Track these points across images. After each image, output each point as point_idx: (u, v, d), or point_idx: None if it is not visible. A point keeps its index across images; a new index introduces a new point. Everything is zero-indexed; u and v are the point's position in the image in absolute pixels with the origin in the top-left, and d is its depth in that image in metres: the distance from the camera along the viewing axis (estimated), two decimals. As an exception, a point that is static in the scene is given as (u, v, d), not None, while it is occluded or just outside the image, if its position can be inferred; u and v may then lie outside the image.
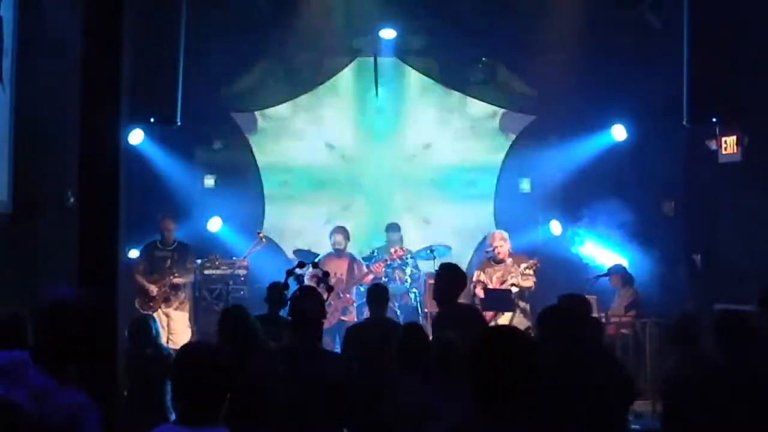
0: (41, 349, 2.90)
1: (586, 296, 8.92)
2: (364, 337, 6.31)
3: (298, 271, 5.56)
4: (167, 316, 9.08)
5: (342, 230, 9.85)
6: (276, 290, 6.49)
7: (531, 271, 8.67)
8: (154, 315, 8.84)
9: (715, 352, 4.70)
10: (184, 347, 3.01)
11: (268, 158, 11.50)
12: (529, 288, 8.66)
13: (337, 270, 9.51)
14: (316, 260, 9.66)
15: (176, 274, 9.13)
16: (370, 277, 9.44)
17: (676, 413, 4.77)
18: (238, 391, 3.01)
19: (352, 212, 11.44)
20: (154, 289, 9.08)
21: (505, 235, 9.06)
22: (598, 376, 4.44)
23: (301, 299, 4.61)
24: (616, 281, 9.10)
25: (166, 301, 9.15)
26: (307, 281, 5.98)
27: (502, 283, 8.66)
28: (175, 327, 9.05)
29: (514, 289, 8.60)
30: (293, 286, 5.28)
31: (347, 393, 4.37)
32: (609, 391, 4.46)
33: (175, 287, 9.16)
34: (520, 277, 8.61)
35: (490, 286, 8.68)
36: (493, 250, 9.07)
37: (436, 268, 9.98)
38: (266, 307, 6.68)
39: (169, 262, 9.22)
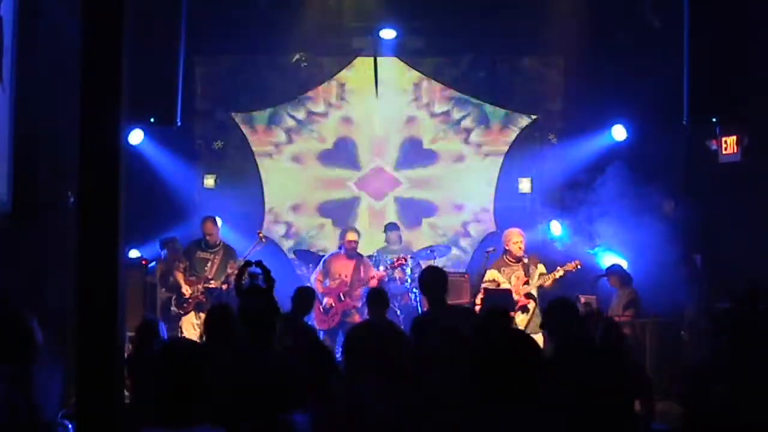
0: None
1: (584, 297, 9.13)
2: (359, 339, 6.29)
3: (248, 270, 5.49)
4: (199, 320, 8.79)
5: (353, 231, 9.75)
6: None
7: (562, 273, 8.47)
8: (181, 321, 8.84)
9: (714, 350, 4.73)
10: (164, 345, 3.02)
11: (267, 158, 11.51)
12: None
13: (343, 271, 9.46)
14: (325, 259, 9.64)
15: (212, 282, 8.90)
16: (375, 280, 9.36)
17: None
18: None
19: (353, 212, 11.44)
20: (187, 290, 8.91)
21: (523, 233, 8.89)
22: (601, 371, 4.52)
23: (246, 299, 4.55)
24: (614, 281, 9.11)
25: (199, 306, 8.88)
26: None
27: (526, 282, 8.51)
28: None
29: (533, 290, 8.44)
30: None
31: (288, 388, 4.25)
32: (613, 386, 4.53)
33: (209, 292, 8.90)
34: (549, 280, 8.41)
35: (506, 287, 8.53)
36: (493, 250, 9.03)
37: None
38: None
39: (209, 264, 9.01)
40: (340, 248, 9.75)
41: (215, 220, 9.35)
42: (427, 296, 5.83)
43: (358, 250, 9.73)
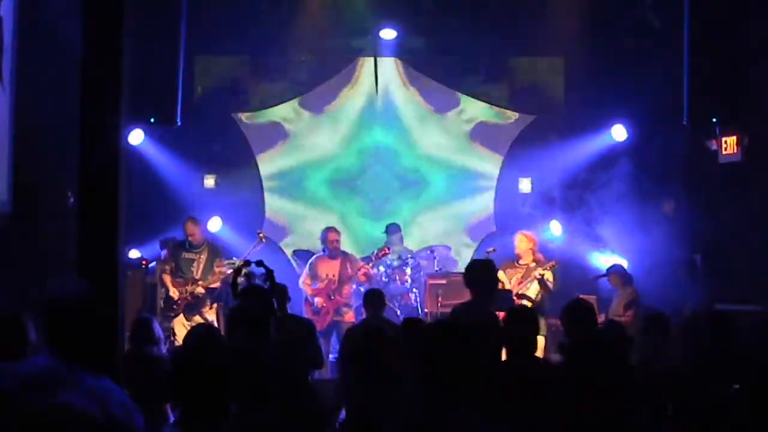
0: (67, 345, 2.81)
1: (584, 296, 9.13)
2: (356, 338, 6.34)
3: (245, 270, 5.49)
4: (190, 321, 8.71)
5: (334, 230, 9.66)
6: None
7: (549, 273, 8.46)
8: (173, 323, 8.75)
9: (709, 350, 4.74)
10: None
11: (268, 158, 11.51)
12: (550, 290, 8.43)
13: (329, 272, 9.40)
14: (310, 262, 9.59)
15: (200, 283, 8.84)
16: (362, 275, 9.35)
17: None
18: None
19: (353, 213, 11.44)
20: (174, 293, 8.84)
21: (531, 235, 8.88)
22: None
23: (243, 298, 4.55)
24: (615, 281, 9.11)
25: (188, 308, 8.81)
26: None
27: (520, 283, 8.52)
28: None
29: (533, 292, 8.41)
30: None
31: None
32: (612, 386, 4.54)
33: (198, 295, 8.85)
34: (536, 282, 8.40)
35: (507, 287, 8.52)
36: (493, 251, 9.03)
37: (437, 269, 10.06)
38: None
39: (195, 264, 8.92)
40: (323, 250, 9.67)
41: (195, 220, 9.23)
42: (471, 290, 5.81)
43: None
